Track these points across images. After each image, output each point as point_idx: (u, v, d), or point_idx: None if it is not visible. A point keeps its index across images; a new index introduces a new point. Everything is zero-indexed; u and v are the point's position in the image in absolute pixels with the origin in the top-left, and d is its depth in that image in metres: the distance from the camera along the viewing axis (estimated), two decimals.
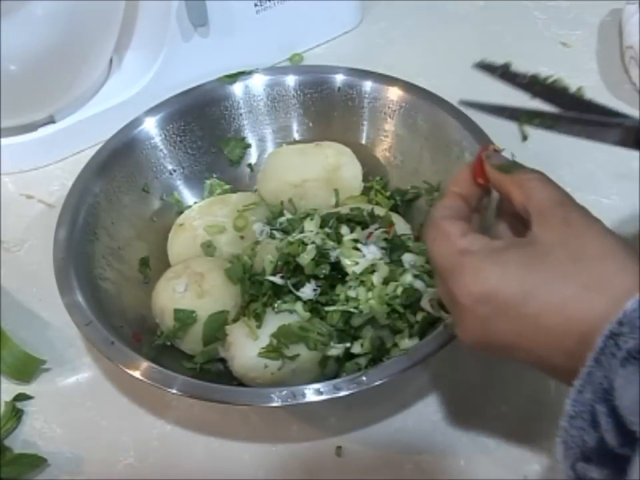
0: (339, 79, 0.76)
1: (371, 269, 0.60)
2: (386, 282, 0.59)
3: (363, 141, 0.76)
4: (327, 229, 0.63)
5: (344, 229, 0.63)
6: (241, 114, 0.77)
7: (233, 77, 0.77)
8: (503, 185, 0.49)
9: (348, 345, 0.59)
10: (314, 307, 0.59)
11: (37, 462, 0.59)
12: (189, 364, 0.62)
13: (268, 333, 0.58)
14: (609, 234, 0.44)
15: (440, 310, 0.59)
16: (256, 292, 0.61)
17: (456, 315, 0.47)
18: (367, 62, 0.79)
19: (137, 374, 0.56)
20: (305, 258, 0.60)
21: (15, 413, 0.62)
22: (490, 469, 0.57)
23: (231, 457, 0.59)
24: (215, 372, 0.62)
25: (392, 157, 0.75)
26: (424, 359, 0.54)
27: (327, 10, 0.92)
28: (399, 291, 0.59)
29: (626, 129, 0.49)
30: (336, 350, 0.58)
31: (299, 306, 0.59)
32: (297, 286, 0.60)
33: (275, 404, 0.53)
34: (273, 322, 0.59)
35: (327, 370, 0.59)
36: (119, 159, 0.71)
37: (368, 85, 0.75)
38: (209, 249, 0.68)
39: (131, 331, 0.62)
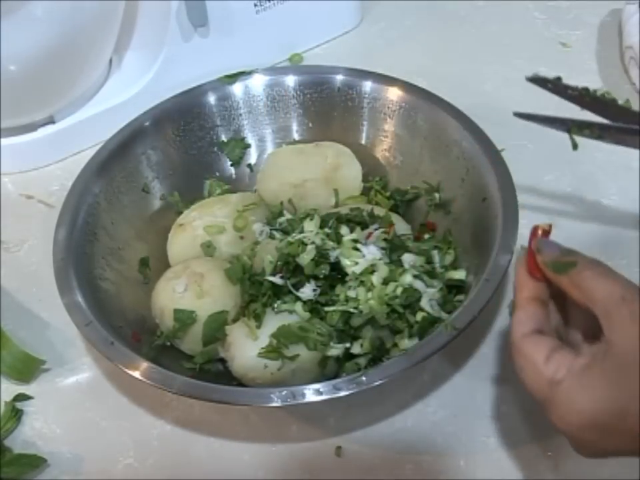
0: (339, 79, 0.76)
1: (371, 269, 0.60)
2: (386, 282, 0.59)
3: (363, 141, 0.76)
4: (326, 229, 0.63)
5: (344, 229, 0.63)
6: (240, 114, 0.77)
7: (233, 77, 0.77)
8: (562, 286, 0.48)
9: (348, 345, 0.59)
10: (314, 307, 0.59)
11: (36, 462, 0.59)
12: (189, 364, 0.62)
13: (268, 333, 0.58)
14: None
15: (440, 310, 0.59)
16: (256, 292, 0.61)
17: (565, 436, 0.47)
18: (367, 62, 0.79)
19: (136, 374, 0.56)
20: (305, 258, 0.60)
21: (15, 413, 0.62)
22: (490, 469, 0.57)
23: (231, 457, 0.59)
24: (214, 372, 0.62)
25: (392, 157, 0.75)
26: (424, 359, 0.54)
27: (327, 10, 0.92)
28: (399, 291, 0.59)
29: None
30: (336, 350, 0.58)
31: (298, 306, 0.59)
32: (297, 286, 0.60)
33: (274, 404, 0.53)
34: (273, 322, 0.59)
35: (327, 370, 0.59)
36: (118, 159, 0.71)
37: (368, 85, 0.75)
38: (208, 249, 0.68)
39: (130, 331, 0.62)
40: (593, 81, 0.87)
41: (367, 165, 0.74)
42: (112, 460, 0.59)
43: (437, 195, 0.69)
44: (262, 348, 0.57)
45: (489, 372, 0.62)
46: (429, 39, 0.94)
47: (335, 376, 0.58)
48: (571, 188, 0.74)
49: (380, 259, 0.61)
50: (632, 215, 0.72)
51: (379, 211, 0.67)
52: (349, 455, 0.58)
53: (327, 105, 0.77)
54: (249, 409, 0.61)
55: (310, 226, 0.63)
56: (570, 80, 0.87)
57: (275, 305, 0.60)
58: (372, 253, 0.61)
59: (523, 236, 0.56)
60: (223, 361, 0.61)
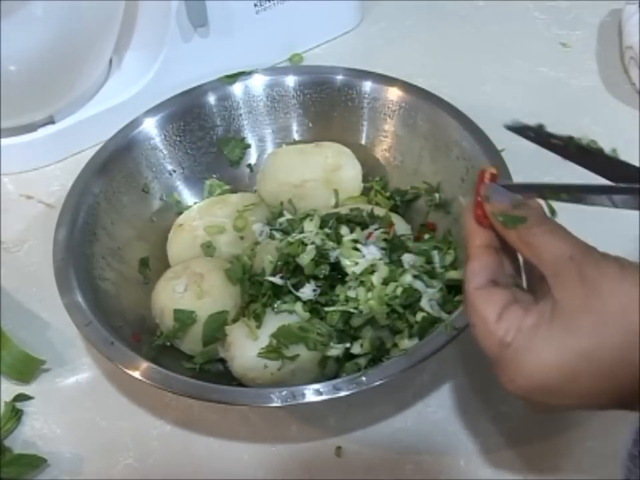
0: (339, 79, 0.76)
1: (371, 269, 0.60)
2: (385, 282, 0.59)
3: (363, 141, 0.76)
4: (326, 230, 0.63)
5: (344, 230, 0.63)
6: (240, 114, 0.77)
7: (233, 77, 0.77)
8: (510, 241, 0.47)
9: (348, 345, 0.59)
10: (314, 307, 0.59)
11: (36, 462, 0.59)
12: (189, 364, 0.62)
13: (268, 333, 0.58)
14: (623, 274, 0.42)
15: (440, 310, 0.59)
16: (256, 292, 0.61)
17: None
18: (367, 62, 0.79)
19: (136, 374, 0.56)
20: (305, 258, 0.60)
21: (15, 413, 0.62)
22: (490, 469, 0.57)
23: (231, 457, 0.59)
24: (214, 372, 0.62)
25: (392, 157, 0.75)
26: (424, 359, 0.54)
27: (327, 10, 0.92)
28: (399, 291, 0.59)
29: None
30: (336, 350, 0.58)
31: (298, 306, 0.59)
32: (297, 286, 0.60)
33: (274, 404, 0.53)
34: (273, 322, 0.58)
35: (327, 370, 0.59)
36: (118, 159, 0.71)
37: (368, 85, 0.75)
38: (208, 249, 0.68)
39: (130, 331, 0.62)
40: (592, 81, 0.87)
41: (367, 165, 0.74)
42: (112, 460, 0.59)
43: (436, 195, 0.69)
44: (262, 348, 0.57)
45: (489, 372, 0.62)
46: (429, 39, 0.94)
47: (335, 376, 0.58)
48: None
49: (380, 259, 0.61)
50: (632, 216, 0.72)
51: (379, 211, 0.67)
52: (349, 455, 0.58)
53: (327, 105, 0.77)
54: (249, 409, 0.61)
55: (310, 226, 0.63)
56: (570, 80, 0.88)
57: (275, 305, 0.60)
58: (372, 253, 0.61)
59: None
60: (223, 361, 0.61)
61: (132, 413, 0.62)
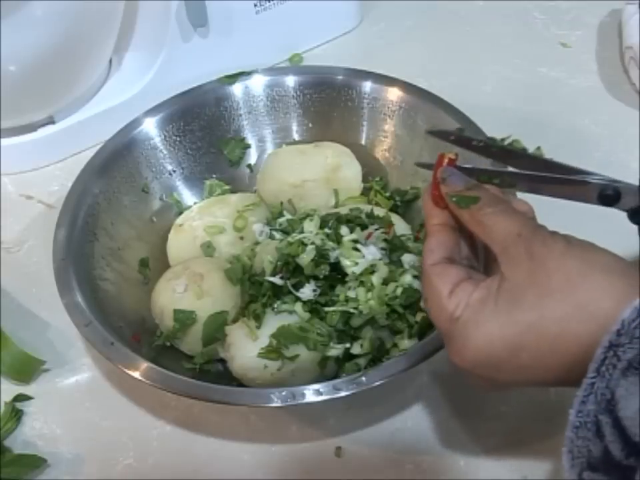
0: (339, 79, 0.76)
1: (371, 270, 0.60)
2: (385, 282, 0.59)
3: (363, 142, 0.76)
4: (326, 230, 0.63)
5: (343, 230, 0.63)
6: (240, 114, 0.77)
7: (233, 78, 0.77)
8: (463, 221, 0.48)
9: (347, 345, 0.59)
10: (313, 308, 0.59)
11: (36, 462, 0.59)
12: (189, 364, 0.62)
13: (267, 333, 0.58)
14: (569, 250, 0.43)
15: None
16: (255, 292, 0.61)
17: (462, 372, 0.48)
18: (367, 62, 0.79)
19: (136, 374, 0.56)
20: (305, 258, 0.60)
21: (15, 414, 0.62)
22: (490, 469, 0.57)
23: (231, 457, 0.59)
24: (214, 372, 0.62)
25: (391, 157, 0.75)
26: (423, 360, 0.54)
27: (327, 10, 0.92)
28: (399, 291, 0.59)
29: (588, 185, 0.49)
30: (335, 350, 0.58)
31: (298, 306, 0.59)
32: (297, 286, 0.60)
33: (274, 404, 0.53)
34: (273, 322, 0.58)
35: (327, 370, 0.59)
36: (118, 159, 0.71)
37: (367, 86, 0.75)
38: (208, 249, 0.68)
39: (130, 331, 0.62)
40: (592, 82, 0.87)
41: (367, 165, 0.74)
42: (112, 460, 0.59)
43: None
44: (262, 348, 0.57)
45: None
46: (429, 39, 0.94)
47: (335, 376, 0.58)
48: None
49: (380, 259, 0.61)
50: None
51: (379, 211, 0.67)
52: (349, 455, 0.58)
53: (327, 105, 0.77)
54: (249, 410, 0.61)
55: (310, 226, 0.63)
56: (570, 80, 0.88)
57: (275, 306, 0.60)
58: (372, 253, 0.61)
59: None
60: (222, 361, 0.61)
61: (132, 413, 0.62)
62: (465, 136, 0.52)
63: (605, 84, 0.86)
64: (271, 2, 0.87)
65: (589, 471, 0.39)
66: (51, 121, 0.82)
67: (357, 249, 0.61)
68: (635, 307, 0.38)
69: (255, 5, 0.86)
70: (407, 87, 0.74)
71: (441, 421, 0.60)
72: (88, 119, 0.83)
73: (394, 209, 0.71)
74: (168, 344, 0.64)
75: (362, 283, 0.59)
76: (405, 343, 0.59)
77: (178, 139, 0.75)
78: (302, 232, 0.63)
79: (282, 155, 0.74)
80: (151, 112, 0.75)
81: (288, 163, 0.72)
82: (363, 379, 0.53)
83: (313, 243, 0.61)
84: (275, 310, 0.59)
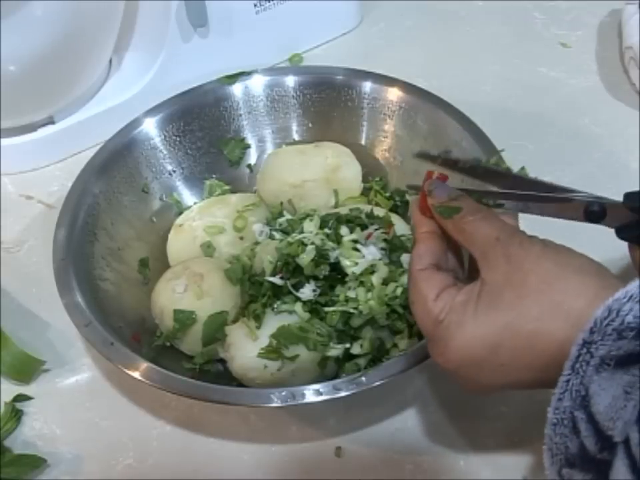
0: (339, 79, 0.77)
1: (371, 270, 0.60)
2: (385, 282, 0.59)
3: (363, 142, 0.76)
4: (326, 230, 0.63)
5: (343, 230, 0.63)
6: (240, 114, 0.77)
7: (233, 78, 0.77)
8: (448, 230, 0.50)
9: (347, 345, 0.59)
10: (313, 308, 0.59)
11: (36, 462, 0.59)
12: (189, 364, 0.62)
13: (267, 333, 0.58)
14: (545, 253, 0.45)
15: None
16: (255, 292, 0.61)
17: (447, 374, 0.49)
18: (367, 62, 0.79)
19: (136, 375, 0.56)
20: (305, 258, 0.60)
21: (15, 414, 0.62)
22: (490, 469, 0.57)
23: (231, 457, 0.59)
24: (214, 372, 0.62)
25: (391, 157, 0.75)
26: (423, 360, 0.54)
27: (327, 11, 0.92)
28: (399, 291, 0.59)
29: (574, 202, 0.50)
30: (335, 350, 0.58)
31: (298, 306, 0.59)
32: (297, 286, 0.60)
33: (274, 404, 0.53)
34: (273, 322, 0.58)
35: (327, 370, 0.59)
36: (118, 159, 0.71)
37: (367, 86, 0.75)
38: (208, 249, 0.68)
39: (130, 331, 0.62)
40: (592, 82, 0.87)
41: (366, 165, 0.74)
42: (112, 460, 0.59)
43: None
44: (262, 348, 0.57)
45: None
46: (429, 40, 0.94)
47: (335, 376, 0.58)
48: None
49: (380, 260, 0.61)
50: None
51: (379, 211, 0.67)
52: (349, 456, 0.58)
53: (327, 105, 0.77)
54: (249, 410, 0.61)
55: (310, 226, 0.63)
56: (570, 80, 0.88)
57: (275, 306, 0.60)
58: (372, 253, 0.61)
59: None
60: (222, 361, 0.61)
61: (132, 413, 0.62)
62: (452, 158, 0.54)
63: (605, 84, 0.86)
64: (271, 2, 0.87)
65: (567, 468, 0.40)
66: (50, 121, 0.82)
67: (356, 249, 0.61)
68: (608, 305, 0.39)
69: (255, 5, 0.86)
70: (406, 86, 0.74)
71: (441, 421, 0.60)
72: (88, 119, 0.83)
73: (394, 209, 0.71)
74: (168, 344, 0.64)
75: (362, 283, 0.59)
76: (405, 343, 0.59)
77: (178, 139, 0.75)
78: (302, 232, 0.63)
79: (282, 155, 0.74)
80: (150, 112, 0.75)
81: (288, 163, 0.72)
82: (363, 379, 0.53)
83: (312, 243, 0.61)
84: (275, 310, 0.59)
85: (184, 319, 0.61)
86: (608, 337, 0.38)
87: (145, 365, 0.56)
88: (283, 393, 0.53)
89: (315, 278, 0.60)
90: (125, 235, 0.69)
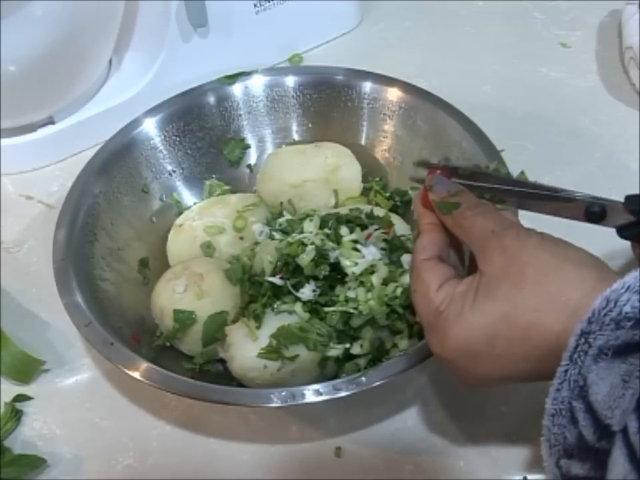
0: (339, 79, 0.76)
1: (371, 270, 0.60)
2: (385, 283, 0.59)
3: (363, 142, 0.76)
4: (326, 230, 0.63)
5: (343, 230, 0.63)
6: (240, 114, 0.77)
7: (233, 78, 0.77)
8: (448, 226, 0.51)
9: (347, 345, 0.59)
10: (313, 308, 0.59)
11: (36, 463, 0.59)
12: (189, 365, 0.62)
13: (267, 333, 0.58)
14: (542, 245, 0.45)
15: None
16: (255, 293, 0.61)
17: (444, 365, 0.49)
18: (367, 63, 0.79)
19: (136, 375, 0.56)
20: (305, 259, 0.60)
21: (15, 414, 0.62)
22: (490, 469, 0.57)
23: (230, 457, 0.59)
24: (214, 373, 0.62)
25: (391, 157, 0.75)
26: (423, 360, 0.54)
27: (327, 11, 0.92)
28: (399, 291, 0.59)
29: (575, 202, 0.51)
30: (335, 351, 0.58)
31: (298, 307, 0.59)
32: (297, 287, 0.60)
33: (274, 405, 0.53)
34: (273, 323, 0.58)
35: (327, 371, 0.59)
36: (118, 159, 0.71)
37: (367, 86, 0.75)
38: (208, 249, 0.68)
39: (130, 331, 0.62)
40: (592, 82, 0.87)
41: (366, 165, 0.74)
42: (112, 460, 0.59)
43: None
44: (262, 348, 0.57)
45: None
46: (429, 40, 0.94)
47: (335, 376, 0.58)
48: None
49: (380, 260, 0.61)
50: None
51: (379, 212, 0.67)
52: (349, 456, 0.58)
53: (327, 105, 0.77)
54: (249, 410, 0.61)
55: (310, 226, 0.63)
56: (570, 80, 0.88)
57: (275, 306, 0.60)
58: (372, 253, 0.61)
59: None
60: (222, 361, 0.61)
61: (132, 413, 0.62)
62: (451, 166, 0.54)
63: (605, 84, 0.86)
64: (271, 2, 0.87)
65: (566, 458, 0.41)
66: (50, 121, 0.82)
67: (356, 249, 0.61)
68: (606, 296, 0.39)
69: (255, 5, 0.86)
70: (406, 87, 0.74)
71: (441, 421, 0.60)
72: (88, 119, 0.83)
73: (394, 209, 0.71)
74: (168, 344, 0.64)
75: (362, 283, 0.59)
76: (405, 343, 0.59)
77: (178, 139, 0.75)
78: (302, 232, 0.63)
79: (282, 155, 0.74)
80: (151, 112, 0.75)
81: (288, 163, 0.72)
82: (363, 379, 0.53)
83: (312, 243, 0.61)
84: (275, 310, 0.59)
85: (184, 318, 0.61)
86: (606, 327, 0.39)
87: (145, 365, 0.56)
88: (283, 393, 0.53)
89: (315, 278, 0.60)
90: (124, 235, 0.69)
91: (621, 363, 0.38)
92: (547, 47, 0.92)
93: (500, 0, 0.98)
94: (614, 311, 0.39)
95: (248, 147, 0.78)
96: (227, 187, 0.75)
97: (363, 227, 0.64)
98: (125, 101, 0.83)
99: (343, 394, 0.53)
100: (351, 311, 0.58)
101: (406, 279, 0.60)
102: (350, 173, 0.72)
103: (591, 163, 0.78)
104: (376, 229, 0.63)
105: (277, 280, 0.60)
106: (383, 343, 0.59)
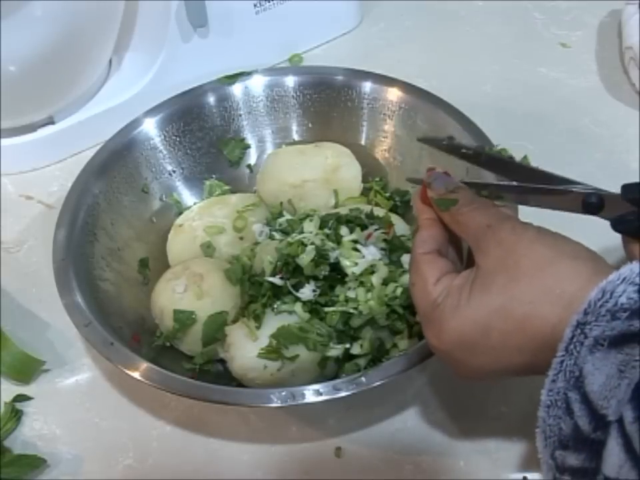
0: (339, 79, 0.76)
1: (371, 270, 0.60)
2: (385, 283, 0.59)
3: (363, 142, 0.76)
4: (326, 230, 0.63)
5: (343, 230, 0.63)
6: (240, 114, 0.77)
7: (233, 78, 0.77)
8: (445, 222, 0.52)
9: (347, 345, 0.59)
10: (313, 308, 0.59)
11: (36, 463, 0.59)
12: (189, 365, 0.62)
13: (267, 333, 0.58)
14: (538, 238, 0.46)
15: None
16: (255, 293, 0.61)
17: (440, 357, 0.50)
18: (367, 63, 0.79)
19: (136, 375, 0.56)
20: (305, 259, 0.60)
21: (15, 414, 0.62)
22: (490, 469, 0.57)
23: (230, 457, 0.59)
24: (214, 373, 0.62)
25: (391, 157, 0.75)
26: (423, 360, 0.54)
27: (327, 11, 0.92)
28: (399, 291, 0.59)
29: (572, 194, 0.51)
30: (335, 351, 0.58)
31: (298, 307, 0.59)
32: (297, 287, 0.60)
33: (274, 405, 0.53)
34: (273, 323, 0.58)
35: (327, 371, 0.59)
36: (118, 159, 0.71)
37: (367, 86, 0.75)
38: (208, 249, 0.68)
39: (130, 331, 0.62)
40: (592, 82, 0.87)
41: (366, 165, 0.74)
42: (112, 460, 0.59)
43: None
44: (261, 348, 0.57)
45: None
46: (429, 40, 0.95)
47: (335, 376, 0.58)
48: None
49: (380, 260, 0.61)
50: None
51: (379, 212, 0.67)
52: (349, 456, 0.58)
53: (327, 105, 0.77)
54: (249, 410, 0.61)
55: (309, 226, 0.63)
56: (570, 80, 0.88)
57: (275, 306, 0.60)
58: (372, 253, 0.61)
59: None
60: (222, 361, 0.61)
61: (132, 414, 0.62)
62: (455, 144, 0.55)
63: (605, 84, 0.86)
64: (271, 2, 0.87)
65: (561, 450, 0.41)
66: (50, 121, 0.82)
67: (356, 249, 0.61)
68: (601, 287, 0.40)
69: (255, 5, 0.86)
70: (406, 87, 0.74)
71: (441, 421, 0.60)
72: (88, 119, 0.83)
73: (394, 209, 0.71)
74: (168, 344, 0.64)
75: (362, 283, 0.59)
76: (405, 343, 0.59)
77: (178, 139, 0.75)
78: (302, 232, 0.63)
79: (282, 155, 0.74)
80: (151, 112, 0.75)
81: (288, 163, 0.72)
82: (363, 379, 0.53)
83: (312, 243, 0.61)
84: (275, 310, 0.59)
85: (184, 319, 0.61)
86: (602, 318, 0.39)
87: (145, 365, 0.56)
88: (283, 393, 0.53)
89: (315, 278, 0.60)
90: (124, 235, 0.69)
91: (617, 353, 0.38)
92: (547, 47, 0.92)
93: (500, 0, 0.98)
94: (610, 302, 0.39)
95: (248, 146, 0.78)
96: (227, 187, 0.75)
97: (363, 227, 0.64)
98: (125, 101, 0.83)
99: (342, 394, 0.53)
100: (351, 311, 0.58)
101: (406, 278, 0.60)
102: (350, 173, 0.72)
103: (591, 163, 0.78)
104: (376, 229, 0.63)
105: (276, 280, 0.60)
106: (383, 343, 0.59)
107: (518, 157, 0.59)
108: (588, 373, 0.39)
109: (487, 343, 0.45)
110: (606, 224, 0.51)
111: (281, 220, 0.68)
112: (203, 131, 0.76)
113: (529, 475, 0.56)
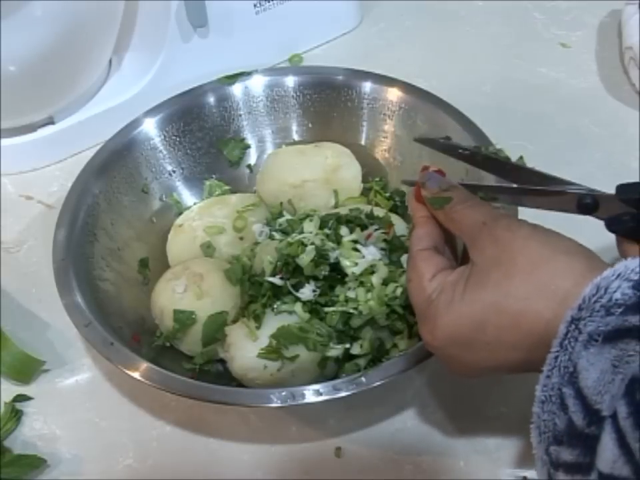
0: (339, 79, 0.77)
1: (371, 270, 0.60)
2: (385, 283, 0.59)
3: (363, 142, 0.76)
4: (326, 230, 0.62)
5: (343, 230, 0.63)
6: (240, 114, 0.77)
7: (233, 78, 0.77)
8: (440, 220, 0.52)
9: (347, 345, 0.59)
10: (313, 308, 0.59)
11: (36, 463, 0.59)
12: (189, 365, 0.62)
13: (267, 333, 0.58)
14: (533, 235, 0.46)
15: None
16: (255, 293, 0.61)
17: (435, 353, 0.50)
18: (367, 63, 0.79)
19: (136, 375, 0.56)
20: (305, 259, 0.60)
21: (15, 414, 0.62)
22: (490, 469, 0.57)
23: (230, 457, 0.59)
24: (214, 373, 0.62)
25: (391, 157, 0.75)
26: (423, 360, 0.54)
27: (327, 11, 0.92)
28: (399, 291, 0.59)
29: (566, 195, 0.51)
30: (335, 351, 0.58)
31: (298, 307, 0.59)
32: (297, 287, 0.60)
33: (274, 405, 0.53)
34: (273, 323, 0.58)
35: (327, 371, 0.59)
36: (118, 159, 0.71)
37: (367, 86, 0.75)
38: (208, 249, 0.68)
39: (130, 331, 0.62)
40: (592, 82, 0.87)
41: (366, 165, 0.74)
42: (112, 460, 0.59)
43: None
44: (261, 348, 0.57)
45: None
46: (429, 40, 0.95)
47: (335, 377, 0.58)
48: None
49: (379, 260, 0.61)
50: None
51: (379, 212, 0.67)
52: (349, 456, 0.58)
53: (327, 105, 0.77)
54: (249, 410, 0.61)
55: (309, 227, 0.63)
56: (570, 80, 0.88)
57: (275, 306, 0.60)
58: (371, 253, 0.61)
59: None
60: (222, 361, 0.61)
61: (132, 414, 0.62)
62: (452, 144, 0.55)
63: (605, 84, 0.86)
64: (271, 2, 0.87)
65: (555, 445, 0.41)
66: (50, 121, 0.82)
67: (356, 250, 0.61)
68: (596, 283, 0.40)
69: (255, 5, 0.86)
70: (406, 87, 0.74)
71: (441, 421, 0.60)
72: (88, 119, 0.83)
73: (394, 209, 0.71)
74: (168, 344, 0.64)
75: (362, 284, 0.59)
76: (405, 343, 0.59)
77: (178, 139, 0.75)
78: (302, 232, 0.63)
79: (282, 155, 0.74)
80: (150, 112, 0.75)
81: (288, 163, 0.72)
82: (363, 379, 0.53)
83: (312, 244, 0.61)
84: (275, 310, 0.59)
85: (184, 319, 0.61)
86: (596, 314, 0.39)
87: (145, 365, 0.56)
88: (283, 393, 0.53)
89: (315, 278, 0.60)
90: (124, 235, 0.69)
91: (611, 348, 0.39)
92: (547, 47, 0.92)
93: (500, 0, 0.98)
94: (604, 297, 0.39)
95: (248, 147, 0.78)
96: (226, 187, 0.75)
97: (363, 227, 0.63)
98: (125, 101, 0.83)
99: (343, 394, 0.53)
100: (351, 311, 0.58)
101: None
102: (350, 173, 0.72)
103: (591, 163, 0.78)
104: (376, 229, 0.63)
105: (276, 280, 0.60)
106: (382, 343, 0.59)
107: (515, 157, 0.59)
108: (582, 368, 0.39)
109: (481, 338, 0.45)
110: (600, 224, 0.51)
111: (281, 220, 0.68)
112: (203, 131, 0.76)
113: (528, 475, 0.56)
